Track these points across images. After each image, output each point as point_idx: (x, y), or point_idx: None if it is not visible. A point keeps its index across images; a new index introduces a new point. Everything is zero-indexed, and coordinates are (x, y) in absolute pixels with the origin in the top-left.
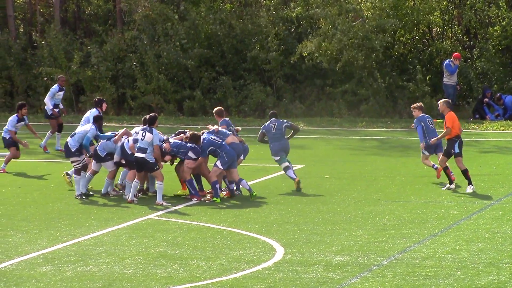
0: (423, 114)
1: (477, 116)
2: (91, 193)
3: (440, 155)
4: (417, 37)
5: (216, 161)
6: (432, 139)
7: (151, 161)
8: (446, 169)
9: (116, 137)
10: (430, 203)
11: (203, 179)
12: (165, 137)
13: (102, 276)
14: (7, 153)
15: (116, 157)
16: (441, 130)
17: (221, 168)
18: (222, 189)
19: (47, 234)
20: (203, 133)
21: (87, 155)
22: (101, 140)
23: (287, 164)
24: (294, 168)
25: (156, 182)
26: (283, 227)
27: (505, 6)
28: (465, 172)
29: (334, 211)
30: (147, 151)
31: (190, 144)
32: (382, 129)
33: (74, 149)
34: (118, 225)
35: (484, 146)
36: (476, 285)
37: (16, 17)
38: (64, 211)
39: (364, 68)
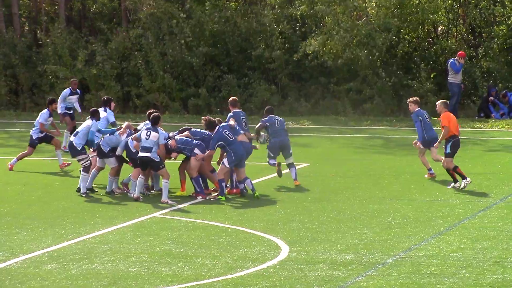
0: (419, 108)
1: (482, 114)
2: (95, 190)
3: (434, 149)
4: (422, 36)
5: (224, 159)
6: (435, 144)
7: (156, 160)
8: (455, 168)
9: (122, 129)
10: (435, 202)
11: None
12: (170, 134)
13: (107, 274)
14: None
15: (119, 150)
16: (438, 128)
17: (228, 166)
18: (228, 186)
19: (52, 232)
20: (220, 122)
21: (92, 149)
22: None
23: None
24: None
25: (162, 180)
26: (288, 226)
27: (510, 5)
28: (450, 171)
29: (339, 209)
30: (152, 150)
31: (196, 141)
32: (387, 128)
33: (80, 147)
34: (123, 223)
35: (489, 145)
36: (481, 284)
37: (21, 15)
38: (69, 209)
39: (368, 67)
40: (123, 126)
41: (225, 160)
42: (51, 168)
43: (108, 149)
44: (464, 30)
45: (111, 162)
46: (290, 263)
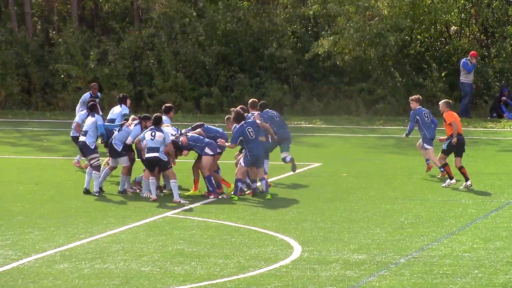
0: (420, 106)
1: (494, 114)
2: (102, 189)
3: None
4: (434, 36)
5: (241, 160)
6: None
7: (164, 160)
8: (445, 165)
9: (128, 121)
10: (447, 202)
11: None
12: (183, 131)
13: (120, 273)
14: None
15: (129, 140)
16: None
17: (244, 166)
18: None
19: (65, 231)
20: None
21: (102, 141)
22: (115, 133)
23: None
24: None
25: (170, 181)
26: (300, 225)
27: None
28: (444, 166)
29: (352, 209)
30: (160, 150)
31: (208, 140)
32: (400, 127)
33: (93, 146)
34: (136, 223)
35: (501, 145)
36: (494, 284)
37: (33, 14)
38: (81, 209)
39: (380, 66)
40: (129, 119)
41: (241, 160)
42: (64, 168)
43: (122, 147)
44: (477, 30)
45: (123, 161)
46: (302, 262)
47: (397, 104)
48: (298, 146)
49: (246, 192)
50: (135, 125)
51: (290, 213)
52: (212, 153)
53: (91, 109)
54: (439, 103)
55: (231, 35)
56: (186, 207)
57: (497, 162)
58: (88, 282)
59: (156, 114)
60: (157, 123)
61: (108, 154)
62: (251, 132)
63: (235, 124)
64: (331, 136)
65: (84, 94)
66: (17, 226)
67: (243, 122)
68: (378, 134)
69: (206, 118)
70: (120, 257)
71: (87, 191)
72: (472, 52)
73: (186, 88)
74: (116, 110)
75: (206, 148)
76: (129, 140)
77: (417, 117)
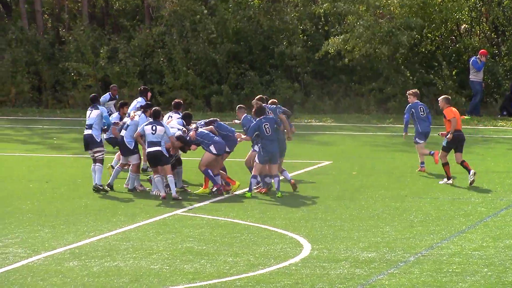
0: (418, 101)
1: (504, 113)
2: (107, 189)
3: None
4: (445, 34)
5: (256, 157)
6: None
7: (166, 155)
8: (446, 164)
9: (132, 114)
10: (457, 200)
11: (203, 175)
12: (194, 126)
13: (129, 271)
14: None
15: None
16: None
17: (259, 163)
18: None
19: (74, 229)
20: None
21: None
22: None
23: None
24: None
25: (167, 176)
26: (310, 223)
27: None
28: (444, 166)
29: (361, 207)
30: (161, 144)
31: (216, 138)
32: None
33: (100, 139)
34: (145, 221)
35: None
36: (503, 282)
37: (44, 12)
38: (91, 206)
39: (390, 64)
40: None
41: (256, 158)
42: (74, 165)
43: (133, 144)
44: (487, 28)
45: (134, 159)
46: (312, 260)
47: (408, 102)
48: (308, 144)
49: (256, 190)
50: (139, 115)
51: (299, 211)
52: (217, 153)
53: (93, 101)
54: (438, 99)
55: (242, 33)
56: (196, 205)
57: (507, 160)
58: (98, 280)
59: (155, 107)
60: (156, 117)
61: (119, 150)
62: (267, 129)
63: (245, 114)
64: (341, 134)
65: (104, 95)
66: (27, 223)
67: (262, 117)
68: (388, 132)
69: (216, 116)
70: (130, 255)
71: (97, 189)
72: (482, 50)
73: (196, 86)
74: (134, 103)
75: (212, 146)
76: (136, 133)
77: (413, 109)
